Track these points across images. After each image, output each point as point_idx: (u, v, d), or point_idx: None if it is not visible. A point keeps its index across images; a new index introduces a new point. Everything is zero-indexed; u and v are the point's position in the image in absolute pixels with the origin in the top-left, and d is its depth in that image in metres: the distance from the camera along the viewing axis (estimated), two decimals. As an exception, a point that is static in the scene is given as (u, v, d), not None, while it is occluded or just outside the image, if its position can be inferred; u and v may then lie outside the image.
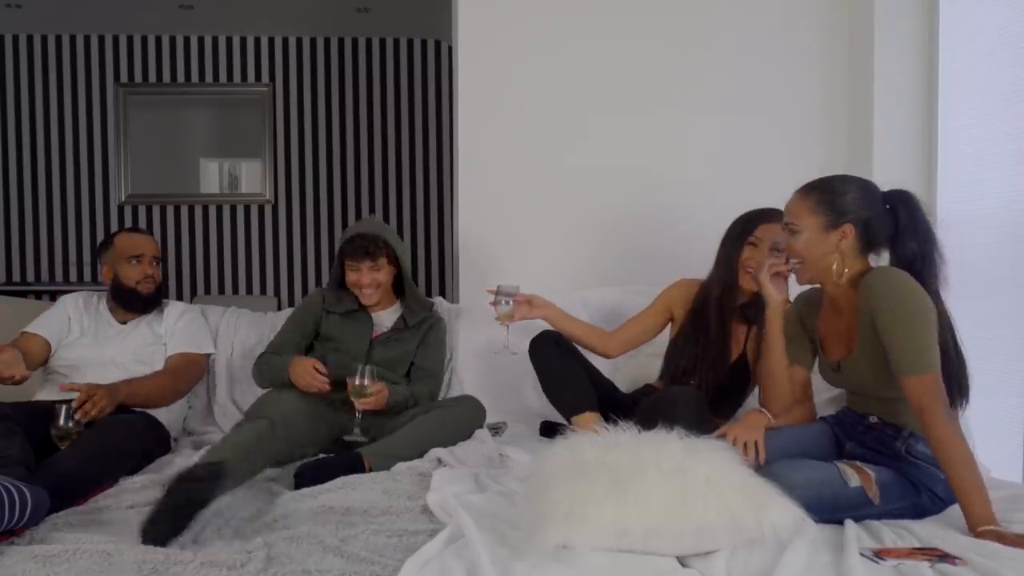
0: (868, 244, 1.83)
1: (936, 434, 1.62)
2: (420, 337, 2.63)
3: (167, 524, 1.57)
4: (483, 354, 2.78)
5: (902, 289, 1.69)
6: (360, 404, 2.26)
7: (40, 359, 2.45)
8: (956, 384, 1.74)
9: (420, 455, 2.17)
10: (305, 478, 1.96)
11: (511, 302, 2.40)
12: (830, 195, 1.82)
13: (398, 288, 2.66)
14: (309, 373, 2.30)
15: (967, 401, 1.79)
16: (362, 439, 2.27)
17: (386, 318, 2.63)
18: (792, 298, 2.08)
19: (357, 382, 2.23)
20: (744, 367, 2.37)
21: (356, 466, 2.06)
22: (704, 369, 2.37)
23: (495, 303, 2.41)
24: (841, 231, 1.80)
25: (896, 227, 1.80)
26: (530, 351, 2.45)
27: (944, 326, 1.72)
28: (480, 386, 2.79)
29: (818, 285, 1.92)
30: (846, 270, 1.81)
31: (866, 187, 1.84)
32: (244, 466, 1.92)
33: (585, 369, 2.42)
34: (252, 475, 1.97)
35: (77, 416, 2.08)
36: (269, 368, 2.46)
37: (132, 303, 2.56)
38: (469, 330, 2.89)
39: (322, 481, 1.93)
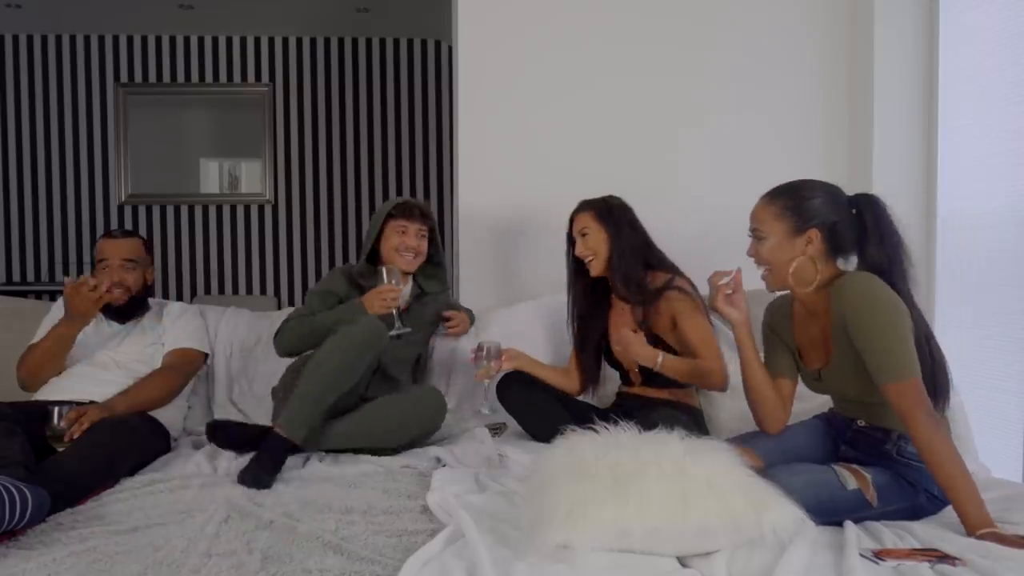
0: (835, 249, 1.81)
1: (921, 438, 1.61)
2: (433, 314, 2.71)
3: (260, 473, 1.95)
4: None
5: (872, 295, 1.67)
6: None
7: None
8: (933, 385, 1.72)
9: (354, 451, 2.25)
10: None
11: (491, 359, 2.41)
12: (795, 200, 1.80)
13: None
14: (384, 290, 2.36)
15: (947, 401, 1.77)
16: (407, 329, 2.43)
17: (404, 292, 2.60)
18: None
19: (391, 282, 2.38)
20: (657, 343, 2.35)
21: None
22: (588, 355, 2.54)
23: (475, 359, 2.44)
24: (807, 236, 1.78)
25: (863, 231, 1.79)
26: (499, 394, 2.50)
27: (919, 328, 1.71)
28: (480, 386, 2.78)
29: (787, 292, 1.89)
30: (817, 276, 1.78)
31: (831, 191, 1.83)
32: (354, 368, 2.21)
33: (555, 397, 2.48)
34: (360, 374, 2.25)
35: (65, 438, 2.06)
36: (312, 325, 2.42)
37: (106, 311, 2.49)
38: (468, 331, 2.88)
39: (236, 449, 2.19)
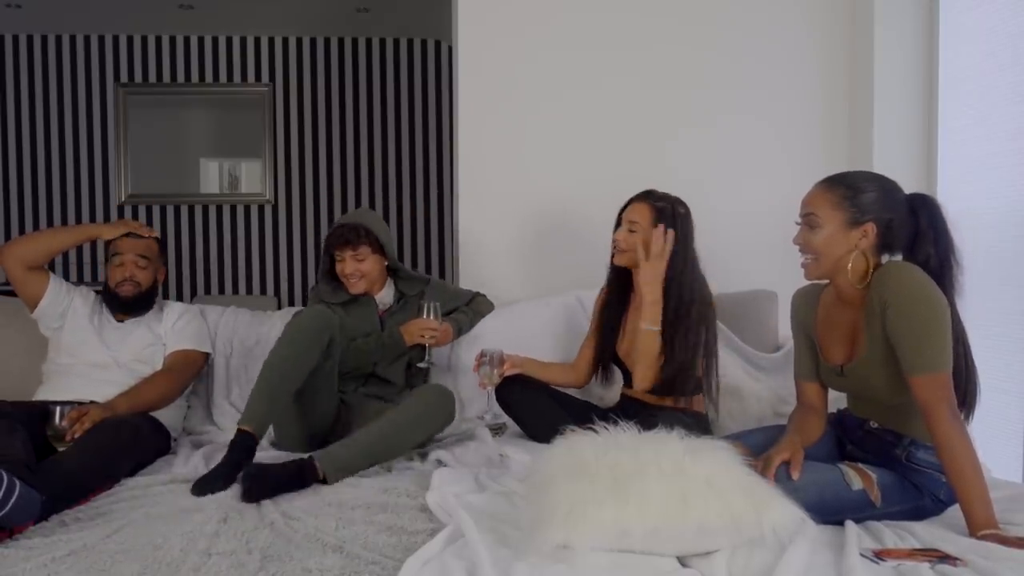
0: (885, 245, 1.77)
1: (941, 435, 1.59)
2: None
3: (217, 484, 1.91)
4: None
5: (917, 285, 1.65)
6: (429, 343, 2.57)
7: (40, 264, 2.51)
8: (963, 395, 1.69)
9: (377, 463, 2.11)
10: (252, 492, 1.84)
11: (494, 366, 2.43)
12: (854, 191, 1.76)
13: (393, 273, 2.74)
14: (424, 323, 2.51)
15: (972, 414, 1.75)
16: (433, 364, 2.62)
17: (385, 297, 2.68)
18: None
19: (430, 316, 2.51)
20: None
21: (306, 475, 1.95)
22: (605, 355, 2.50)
23: (478, 367, 2.45)
24: (863, 229, 1.74)
25: (916, 231, 1.76)
26: (497, 398, 2.50)
27: (957, 335, 1.68)
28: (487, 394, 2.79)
29: (825, 281, 1.87)
30: (871, 270, 1.74)
31: (890, 187, 1.79)
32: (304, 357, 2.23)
33: (554, 397, 2.47)
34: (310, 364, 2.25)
35: (67, 437, 2.06)
36: (352, 351, 2.51)
37: (114, 304, 2.54)
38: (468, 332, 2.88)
39: (270, 495, 1.85)
